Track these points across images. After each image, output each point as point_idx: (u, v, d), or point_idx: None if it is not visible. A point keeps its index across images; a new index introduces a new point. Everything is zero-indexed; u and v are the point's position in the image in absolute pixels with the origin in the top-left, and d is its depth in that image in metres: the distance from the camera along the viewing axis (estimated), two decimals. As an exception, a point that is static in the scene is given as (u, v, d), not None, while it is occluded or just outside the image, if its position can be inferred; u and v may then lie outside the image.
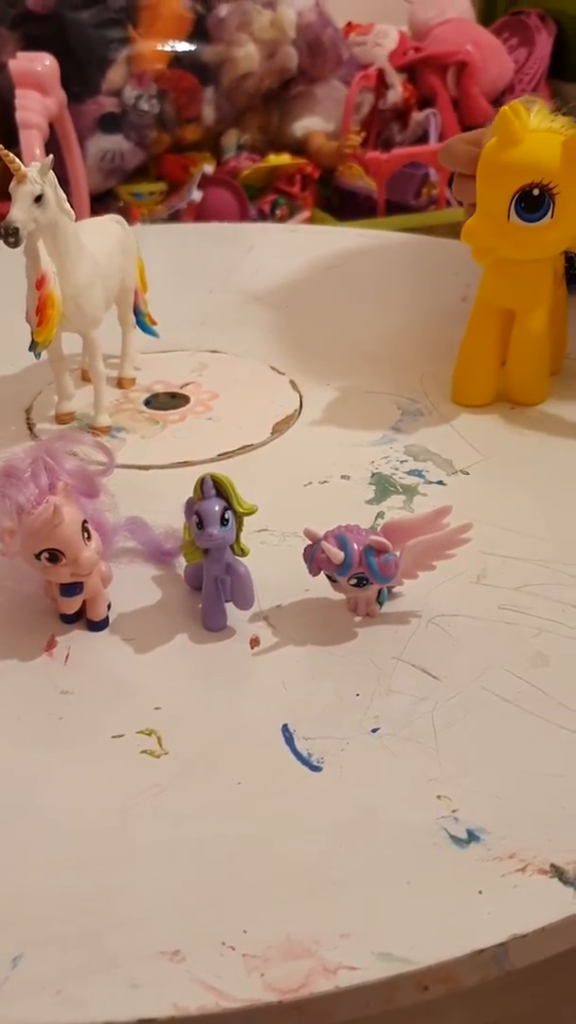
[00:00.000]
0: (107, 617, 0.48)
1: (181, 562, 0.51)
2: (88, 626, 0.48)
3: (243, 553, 0.47)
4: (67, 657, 0.46)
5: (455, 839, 0.37)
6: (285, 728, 0.42)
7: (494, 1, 2.34)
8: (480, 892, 0.35)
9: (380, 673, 0.45)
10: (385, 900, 0.34)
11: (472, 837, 0.37)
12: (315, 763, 0.40)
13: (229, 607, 0.48)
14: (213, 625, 0.48)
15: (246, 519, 0.47)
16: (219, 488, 0.45)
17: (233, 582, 0.47)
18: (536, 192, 0.59)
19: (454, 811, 0.38)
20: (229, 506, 0.45)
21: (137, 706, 0.43)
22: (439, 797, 0.38)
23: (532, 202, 0.59)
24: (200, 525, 0.45)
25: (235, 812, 0.38)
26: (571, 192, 0.59)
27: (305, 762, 0.40)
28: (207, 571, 0.47)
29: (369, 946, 0.33)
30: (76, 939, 0.34)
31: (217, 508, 0.45)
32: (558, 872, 0.35)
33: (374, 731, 0.41)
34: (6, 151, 0.54)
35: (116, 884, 0.35)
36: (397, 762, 0.40)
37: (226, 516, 0.45)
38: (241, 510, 0.46)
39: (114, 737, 0.42)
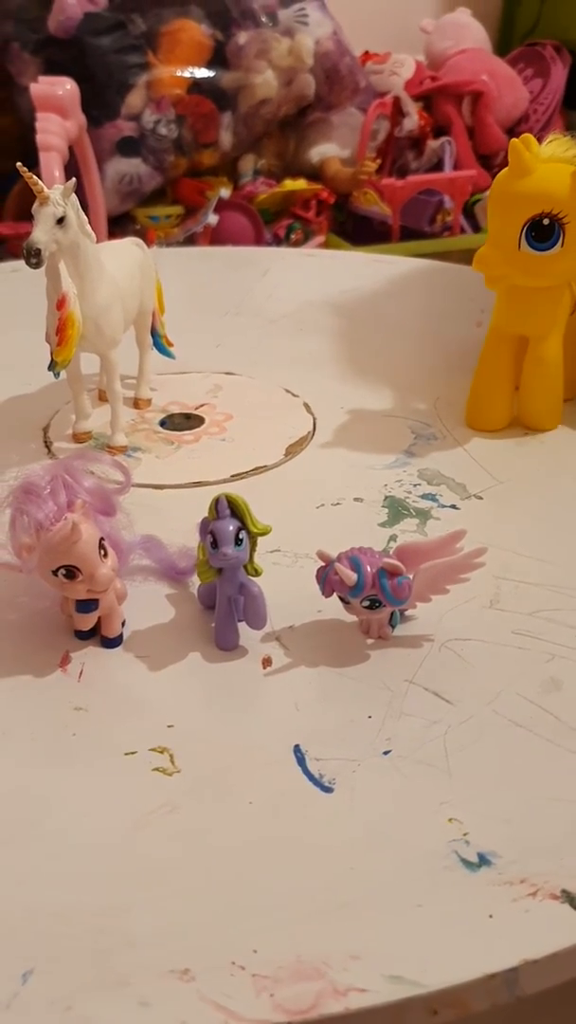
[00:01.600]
0: (121, 634, 0.48)
1: (195, 581, 0.51)
2: (102, 643, 0.48)
3: (256, 573, 0.47)
4: (81, 673, 0.46)
5: (466, 863, 0.37)
6: (297, 748, 0.42)
7: (510, 32, 2.37)
8: (491, 916, 0.35)
9: (392, 696, 0.45)
10: (396, 923, 0.34)
11: (483, 861, 0.37)
12: (326, 784, 0.40)
13: (242, 627, 0.48)
14: (226, 644, 0.48)
15: (260, 540, 0.47)
16: (234, 508, 0.45)
17: (246, 602, 0.47)
18: (546, 221, 0.60)
19: (465, 835, 0.38)
20: (243, 526, 0.45)
21: (150, 724, 0.43)
22: (450, 820, 0.38)
23: (542, 231, 0.60)
24: (214, 544, 0.45)
25: (246, 832, 0.38)
26: (584, 221, 0.60)
27: (317, 783, 0.40)
28: (220, 590, 0.47)
29: (379, 968, 0.33)
30: (86, 956, 0.34)
31: (231, 528, 0.45)
32: (569, 897, 0.35)
33: (386, 753, 0.42)
34: (30, 174, 0.55)
35: (127, 902, 0.36)
36: (408, 785, 0.40)
37: (240, 536, 0.45)
38: (255, 530, 0.46)
39: (127, 754, 0.42)
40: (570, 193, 0.60)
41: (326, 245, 1.88)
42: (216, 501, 0.46)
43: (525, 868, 0.36)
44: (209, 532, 0.46)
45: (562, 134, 0.63)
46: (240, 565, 0.46)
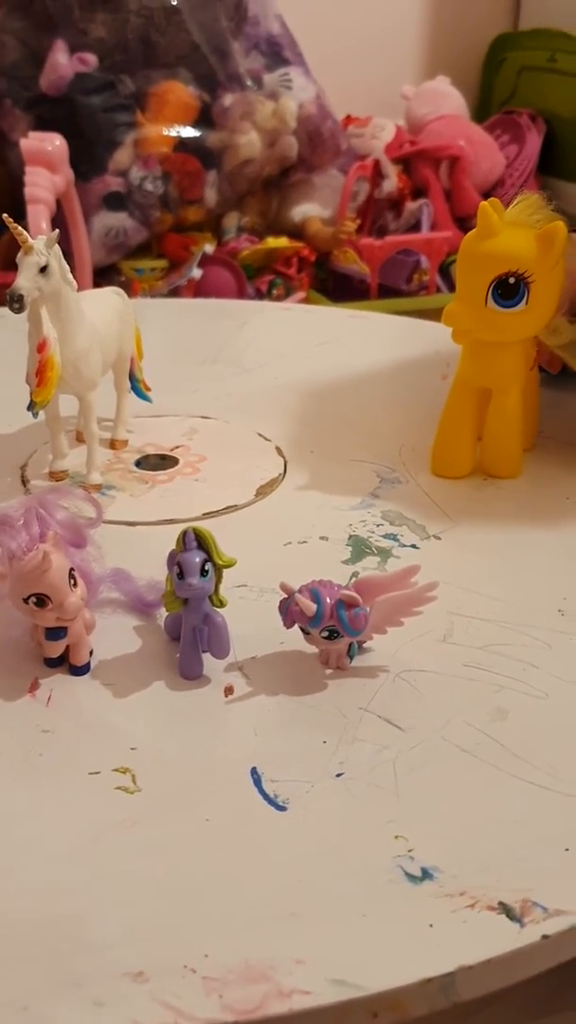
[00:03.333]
0: (89, 663, 0.50)
1: (162, 613, 0.53)
2: (71, 670, 0.50)
3: (221, 604, 0.49)
4: (49, 699, 0.48)
5: (410, 876, 0.38)
6: (254, 771, 0.44)
7: (488, 100, 2.45)
8: (431, 925, 0.36)
9: (347, 722, 0.47)
10: (340, 930, 0.36)
11: (426, 875, 0.39)
12: (281, 803, 0.42)
13: (206, 657, 0.50)
14: (190, 673, 0.50)
15: (227, 574, 0.49)
16: (200, 540, 0.48)
17: (210, 632, 0.49)
18: (512, 280, 0.63)
19: (410, 850, 0.40)
20: (209, 558, 0.48)
21: (114, 746, 0.45)
22: (397, 838, 0.40)
23: (508, 289, 0.63)
24: (181, 575, 0.47)
25: (202, 846, 0.40)
26: (545, 281, 0.63)
27: (271, 802, 0.42)
28: (186, 620, 0.49)
29: (323, 972, 0.34)
30: (45, 960, 0.35)
31: (198, 560, 0.47)
32: (506, 909, 0.37)
33: (338, 776, 0.44)
34: (15, 224, 0.58)
35: (85, 910, 0.37)
36: (358, 804, 0.42)
37: (206, 567, 0.48)
38: (220, 562, 0.48)
39: (91, 774, 0.44)
40: (535, 254, 0.63)
41: (307, 301, 1.93)
42: (184, 534, 0.48)
43: (465, 882, 0.38)
44: (176, 563, 0.48)
45: (532, 193, 0.66)
46: (205, 596, 0.49)
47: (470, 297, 0.65)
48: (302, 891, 0.38)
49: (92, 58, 1.86)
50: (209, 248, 1.90)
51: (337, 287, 1.99)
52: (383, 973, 0.35)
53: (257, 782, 0.43)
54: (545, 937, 0.36)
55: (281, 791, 0.43)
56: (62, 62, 1.84)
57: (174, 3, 1.90)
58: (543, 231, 0.63)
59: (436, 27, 2.60)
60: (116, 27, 1.88)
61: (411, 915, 0.37)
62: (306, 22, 2.12)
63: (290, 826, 0.41)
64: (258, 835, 0.41)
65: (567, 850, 0.40)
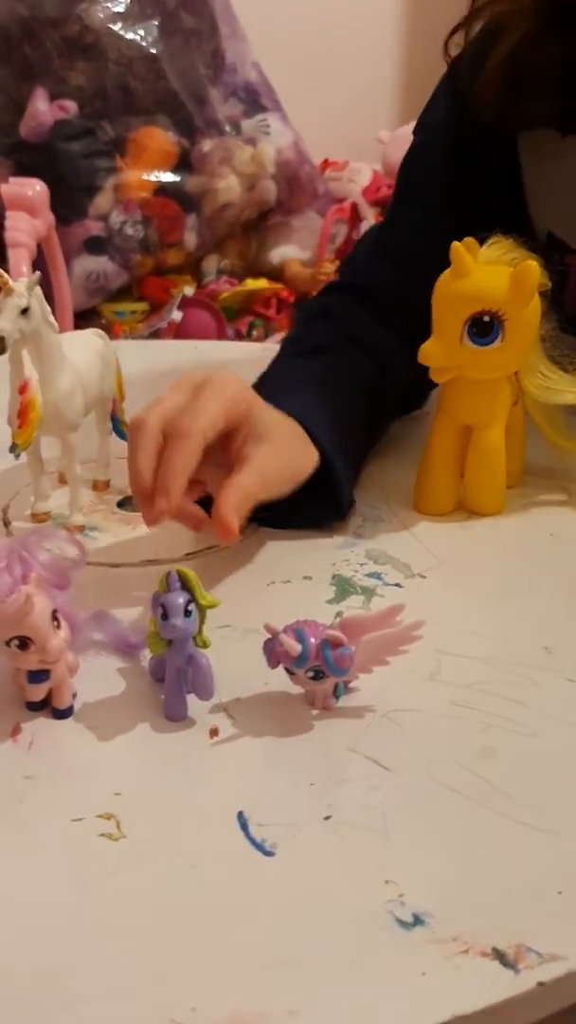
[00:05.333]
0: (72, 706, 0.50)
1: (146, 655, 0.52)
2: (53, 714, 0.49)
3: (205, 645, 0.49)
4: (31, 743, 0.48)
5: (401, 922, 0.38)
6: (240, 815, 0.43)
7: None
8: (424, 973, 0.36)
9: (334, 763, 0.46)
10: (331, 979, 0.35)
11: (417, 921, 0.38)
12: (268, 848, 0.41)
13: (191, 698, 0.49)
14: (174, 715, 0.49)
15: (210, 615, 0.49)
16: (184, 582, 0.47)
17: (194, 673, 0.49)
18: (487, 318, 0.64)
19: (401, 895, 0.39)
20: (193, 599, 0.47)
21: (98, 791, 0.44)
22: (387, 882, 0.40)
23: (483, 327, 0.64)
24: (164, 616, 0.47)
25: (188, 894, 0.39)
26: (519, 319, 0.64)
27: (258, 847, 0.41)
28: (170, 662, 0.49)
29: (315, 1023, 0.34)
30: (26, 1015, 0.34)
31: (181, 600, 0.47)
32: (499, 955, 0.36)
33: (327, 818, 0.43)
34: (-4, 267, 0.58)
35: (68, 962, 0.36)
36: (347, 848, 0.41)
37: (189, 608, 0.47)
38: (204, 603, 0.48)
39: (74, 820, 0.43)
40: (508, 293, 0.64)
41: (286, 341, 1.94)
42: (167, 575, 0.48)
43: (457, 927, 0.37)
44: (160, 604, 0.48)
45: (503, 237, 0.67)
46: (189, 637, 0.48)
47: (446, 335, 0.65)
48: (292, 939, 0.37)
49: (72, 105, 1.89)
50: (189, 291, 1.92)
51: (317, 328, 2.01)
52: (376, 1023, 0.34)
53: (244, 826, 0.43)
54: (540, 984, 0.35)
55: (268, 835, 0.42)
56: (42, 109, 1.87)
57: (153, 51, 1.94)
58: (517, 270, 0.64)
59: (411, 73, 2.65)
60: (96, 75, 1.91)
61: (404, 963, 0.36)
62: (283, 69, 2.16)
63: (278, 872, 0.40)
64: (246, 881, 0.40)
65: (560, 893, 0.39)
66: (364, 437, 0.72)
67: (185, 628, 0.47)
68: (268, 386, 0.68)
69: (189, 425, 0.54)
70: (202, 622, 0.49)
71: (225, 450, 0.57)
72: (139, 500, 0.55)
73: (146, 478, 0.54)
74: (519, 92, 0.72)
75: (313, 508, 0.65)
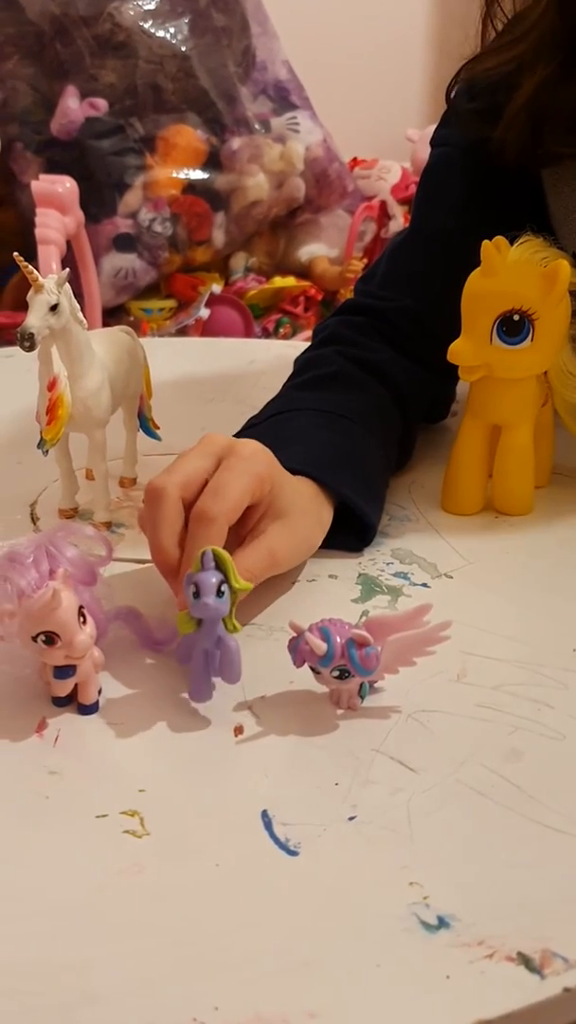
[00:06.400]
0: (97, 702, 0.50)
1: (171, 652, 0.52)
2: (79, 710, 0.49)
3: (235, 629, 0.49)
4: (56, 739, 0.48)
5: (425, 925, 0.37)
6: (264, 814, 0.43)
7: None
8: (448, 977, 0.35)
9: (359, 764, 0.46)
10: (354, 982, 0.35)
11: (442, 923, 0.37)
12: (292, 848, 0.41)
13: (217, 694, 0.49)
14: (199, 696, 0.49)
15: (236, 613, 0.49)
16: (218, 562, 0.47)
17: (222, 655, 0.48)
18: (516, 317, 0.63)
19: (425, 898, 0.39)
20: (226, 580, 0.47)
21: (122, 788, 0.44)
22: (411, 884, 0.39)
23: (513, 326, 0.63)
24: (196, 595, 0.47)
25: (211, 893, 0.39)
26: (550, 318, 0.63)
27: (282, 847, 0.41)
28: (198, 643, 0.49)
29: (337, 1025, 0.33)
30: (48, 1012, 0.34)
31: (214, 580, 0.47)
32: (524, 960, 0.36)
33: (351, 819, 0.43)
34: (25, 263, 0.58)
35: (90, 959, 0.36)
36: (372, 849, 0.41)
37: (222, 589, 0.47)
38: (237, 586, 0.48)
39: (98, 817, 0.43)
40: (538, 291, 0.63)
41: (314, 339, 1.94)
42: (202, 554, 0.48)
43: (482, 931, 0.37)
44: (192, 583, 0.48)
45: (533, 235, 0.66)
46: (219, 617, 0.48)
47: (476, 334, 0.65)
48: (315, 940, 0.37)
49: (103, 103, 1.89)
50: (217, 288, 1.92)
51: (344, 326, 2.00)
52: (399, 1026, 0.33)
53: (268, 825, 0.42)
54: (567, 990, 0.35)
55: (292, 835, 0.42)
56: (73, 107, 1.87)
57: (183, 50, 1.94)
58: (547, 269, 0.63)
59: (441, 72, 2.64)
60: (126, 73, 1.91)
61: (427, 966, 0.36)
62: (313, 67, 2.15)
63: (302, 872, 0.40)
64: (269, 881, 0.40)
65: (587, 897, 0.39)
66: (380, 465, 0.70)
67: (216, 608, 0.47)
68: (276, 428, 0.66)
69: (214, 508, 0.52)
70: (234, 605, 0.48)
71: (241, 521, 0.56)
72: (162, 572, 0.54)
73: (171, 555, 0.53)
74: (542, 133, 0.71)
75: (337, 537, 0.63)
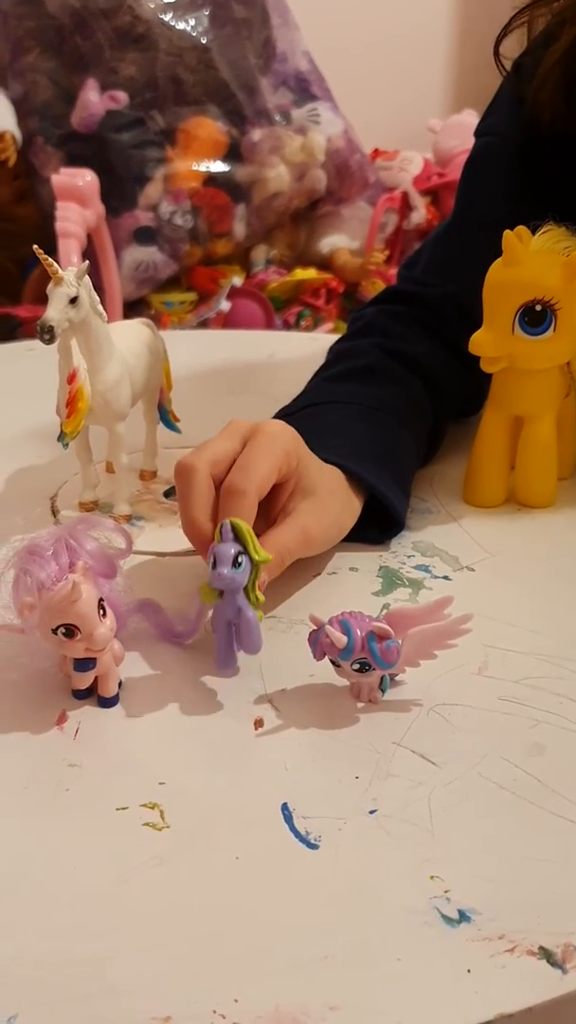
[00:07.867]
0: (117, 694, 0.50)
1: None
2: (99, 702, 0.49)
3: (258, 601, 0.49)
4: (77, 732, 0.48)
5: (446, 919, 0.37)
6: (285, 807, 0.43)
7: (515, 133, 2.46)
8: (469, 971, 0.35)
9: (380, 757, 0.46)
10: (375, 975, 0.35)
11: (463, 917, 0.37)
12: (312, 841, 0.41)
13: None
14: (223, 666, 0.50)
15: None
16: (237, 533, 0.47)
17: (240, 626, 0.49)
18: (539, 308, 0.63)
19: (446, 891, 0.38)
20: (244, 551, 0.47)
21: (142, 780, 0.44)
22: (432, 878, 0.39)
23: (535, 316, 0.63)
24: (214, 565, 0.47)
25: (232, 885, 0.39)
26: (572, 308, 0.63)
27: (303, 840, 0.41)
28: (220, 614, 0.49)
29: (357, 1019, 0.33)
30: (70, 1002, 0.34)
31: (232, 551, 0.47)
32: (546, 954, 0.36)
33: (372, 812, 0.42)
34: (45, 256, 0.58)
35: (111, 950, 0.36)
36: (393, 843, 0.41)
37: (239, 559, 0.47)
38: (257, 557, 0.48)
39: (118, 810, 0.43)
40: (561, 281, 0.63)
41: (335, 332, 1.93)
42: (221, 525, 0.48)
43: (504, 925, 0.37)
44: (212, 553, 0.48)
45: (556, 225, 0.66)
46: (238, 588, 0.48)
47: (497, 325, 0.64)
48: (335, 933, 0.37)
49: (123, 96, 1.89)
50: (238, 281, 1.92)
51: (365, 318, 2.00)
52: (420, 1021, 0.33)
53: (288, 819, 0.42)
54: (589, 984, 0.34)
55: (313, 828, 0.42)
56: (93, 100, 1.87)
57: (203, 41, 1.93)
58: (570, 258, 0.63)
59: (462, 61, 2.62)
60: (146, 65, 1.91)
61: (448, 960, 0.36)
62: (333, 58, 2.14)
63: (322, 865, 0.40)
64: (289, 874, 0.40)
65: (610, 892, 0.38)
66: (411, 461, 0.69)
67: (233, 578, 0.47)
68: (310, 420, 0.65)
69: (244, 482, 0.52)
70: (255, 577, 0.48)
71: (270, 501, 0.56)
72: (196, 547, 0.53)
73: (204, 528, 0.53)
74: (573, 93, 0.70)
75: (360, 530, 0.63)
